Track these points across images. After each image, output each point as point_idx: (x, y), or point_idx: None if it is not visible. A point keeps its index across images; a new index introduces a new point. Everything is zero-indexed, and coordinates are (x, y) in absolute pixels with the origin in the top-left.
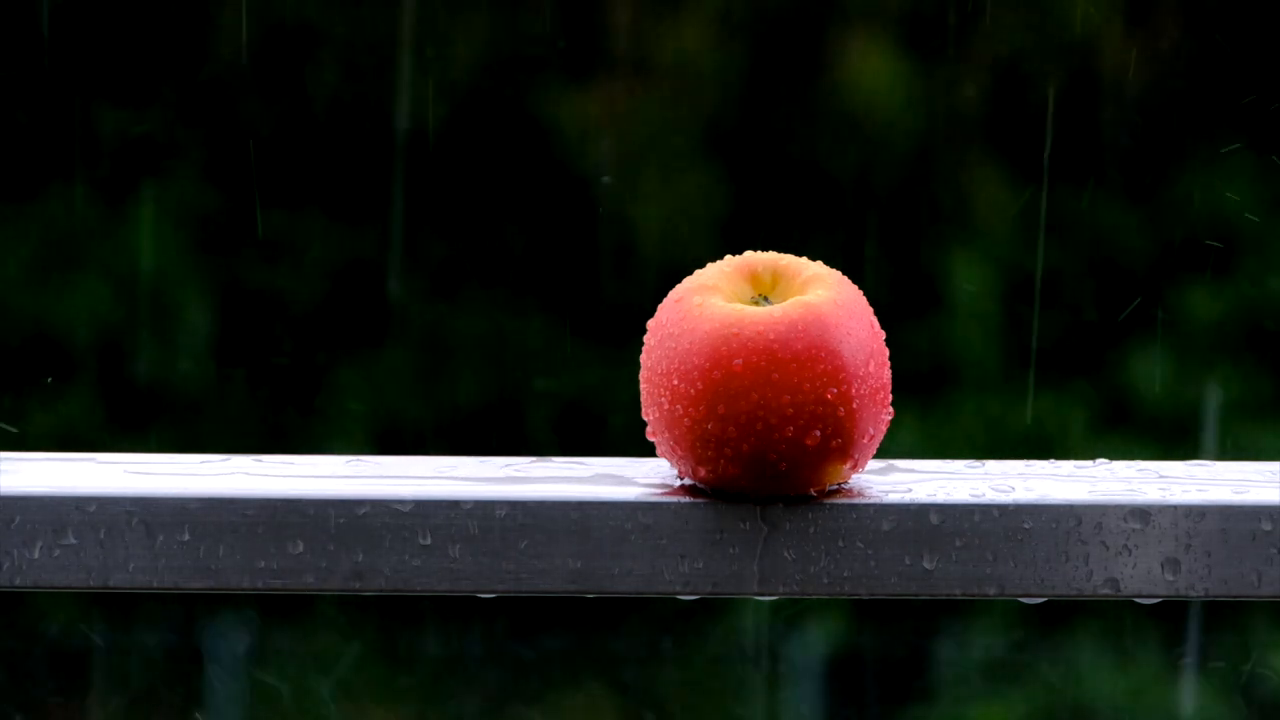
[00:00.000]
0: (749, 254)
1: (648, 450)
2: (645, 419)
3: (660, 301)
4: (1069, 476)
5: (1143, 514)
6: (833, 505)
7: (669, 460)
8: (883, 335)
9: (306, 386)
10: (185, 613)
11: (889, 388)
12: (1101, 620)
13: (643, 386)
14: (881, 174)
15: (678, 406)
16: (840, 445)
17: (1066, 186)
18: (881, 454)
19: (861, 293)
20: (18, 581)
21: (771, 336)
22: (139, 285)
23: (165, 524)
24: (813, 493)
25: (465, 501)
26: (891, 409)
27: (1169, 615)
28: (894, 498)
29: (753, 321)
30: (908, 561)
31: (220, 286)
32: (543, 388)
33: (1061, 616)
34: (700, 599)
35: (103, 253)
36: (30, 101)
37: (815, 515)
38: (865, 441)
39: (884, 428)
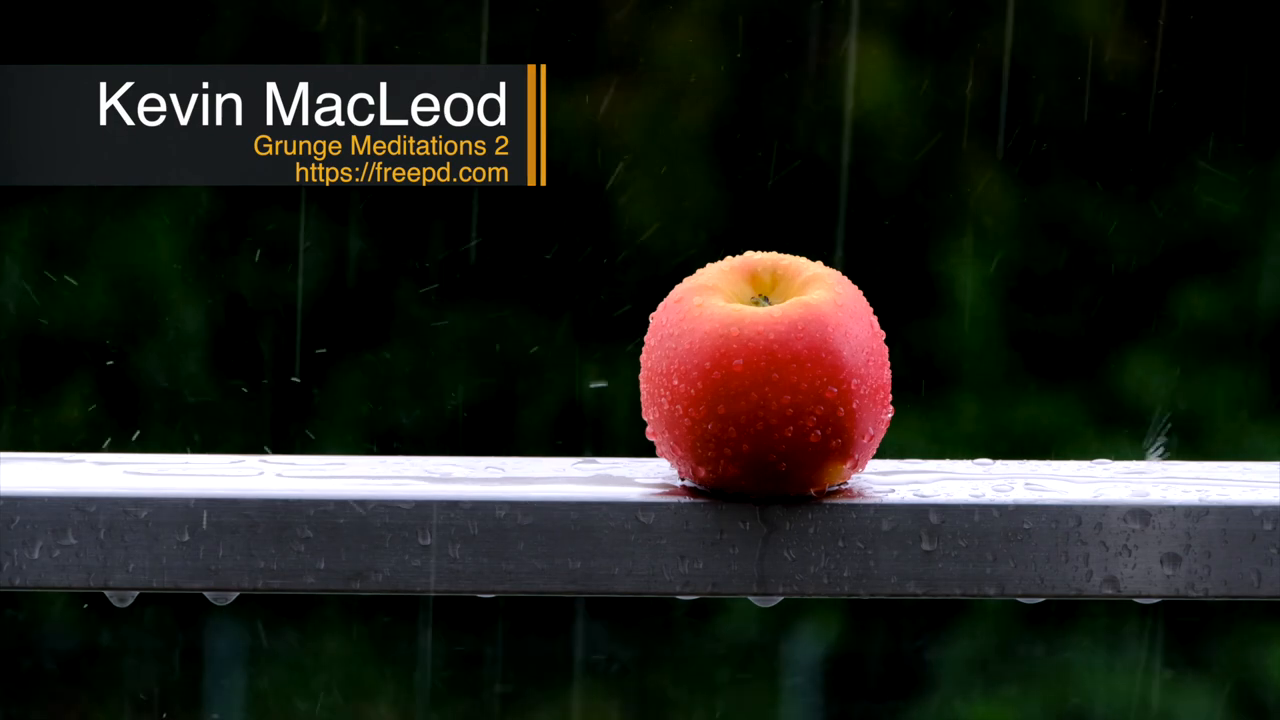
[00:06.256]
0: (749, 254)
1: (648, 450)
2: (645, 419)
3: (660, 302)
4: (1069, 476)
5: (1143, 514)
6: (833, 505)
7: (669, 460)
8: (882, 335)
9: (306, 387)
10: (185, 613)
11: (889, 388)
12: (1101, 620)
13: (643, 386)
14: (881, 174)
15: (678, 406)
16: (840, 445)
17: (1066, 186)
18: (882, 454)
19: (861, 293)
20: (18, 581)
21: (771, 337)
22: (138, 285)
23: (165, 524)
24: (813, 493)
25: (465, 501)
26: (891, 409)
27: (1169, 615)
28: (894, 498)
29: (752, 322)
30: (907, 562)
31: (219, 286)
32: (542, 388)
33: (1061, 616)
34: (700, 599)
35: (103, 253)
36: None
37: (815, 515)
38: (865, 441)
39: (884, 428)
